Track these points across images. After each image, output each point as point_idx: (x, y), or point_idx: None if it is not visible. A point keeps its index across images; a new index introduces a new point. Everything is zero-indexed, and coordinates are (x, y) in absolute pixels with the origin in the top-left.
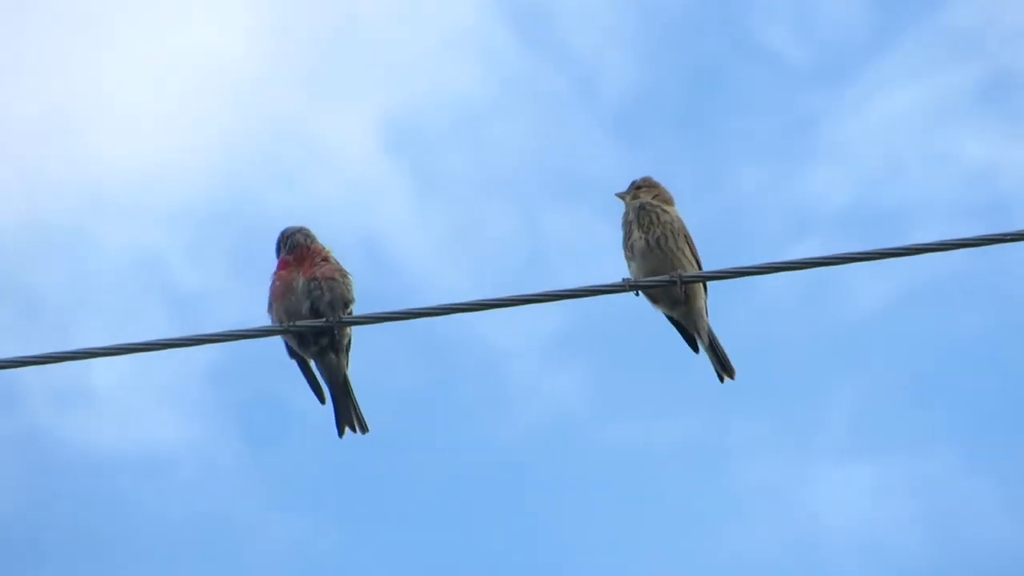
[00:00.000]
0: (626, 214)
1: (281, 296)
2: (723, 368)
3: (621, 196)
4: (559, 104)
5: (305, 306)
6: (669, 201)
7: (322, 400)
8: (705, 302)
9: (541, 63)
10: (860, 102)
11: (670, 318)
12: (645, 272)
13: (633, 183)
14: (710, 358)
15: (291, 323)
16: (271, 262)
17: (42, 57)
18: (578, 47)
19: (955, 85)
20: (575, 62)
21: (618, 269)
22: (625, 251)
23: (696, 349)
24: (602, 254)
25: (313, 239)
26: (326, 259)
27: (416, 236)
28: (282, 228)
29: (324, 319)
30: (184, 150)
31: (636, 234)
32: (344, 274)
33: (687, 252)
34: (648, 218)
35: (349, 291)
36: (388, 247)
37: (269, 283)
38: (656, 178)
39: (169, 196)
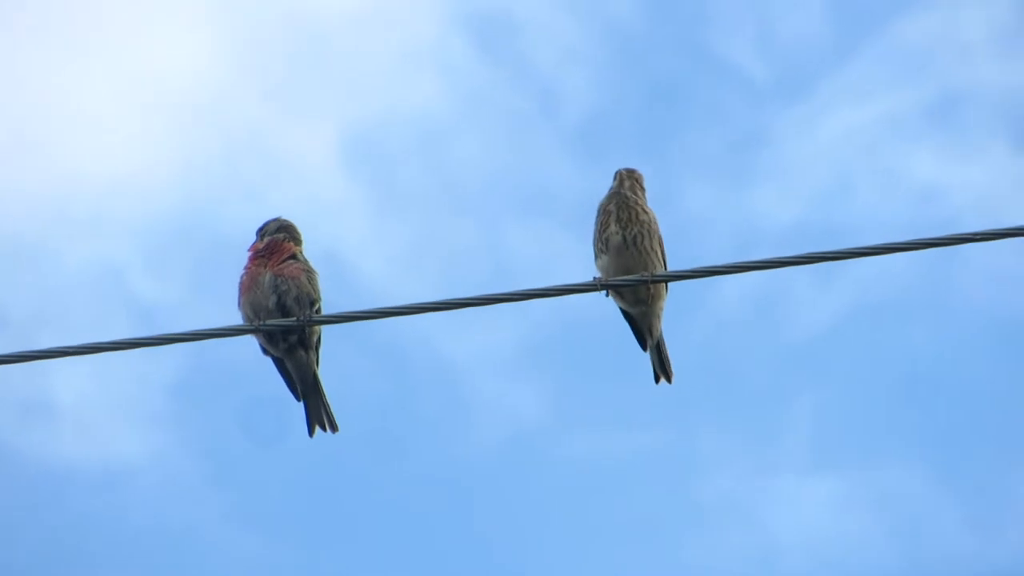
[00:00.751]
0: (604, 203)
1: (247, 290)
2: (662, 370)
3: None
4: (520, 120)
5: (271, 301)
6: (643, 185)
7: (298, 397)
8: (664, 304)
9: (502, 78)
10: (814, 119)
11: (625, 313)
12: (617, 268)
13: (617, 172)
14: (652, 358)
15: (260, 322)
16: (234, 275)
17: (3, 71)
18: (539, 63)
19: (905, 104)
20: (536, 78)
21: (582, 277)
22: (597, 243)
23: (644, 347)
24: (564, 267)
25: (290, 236)
26: (295, 256)
27: (377, 250)
28: (271, 216)
29: (293, 318)
30: (146, 163)
31: (613, 227)
32: (311, 273)
33: (659, 253)
34: (628, 214)
35: (316, 290)
36: (349, 261)
37: (239, 277)
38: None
39: (131, 209)
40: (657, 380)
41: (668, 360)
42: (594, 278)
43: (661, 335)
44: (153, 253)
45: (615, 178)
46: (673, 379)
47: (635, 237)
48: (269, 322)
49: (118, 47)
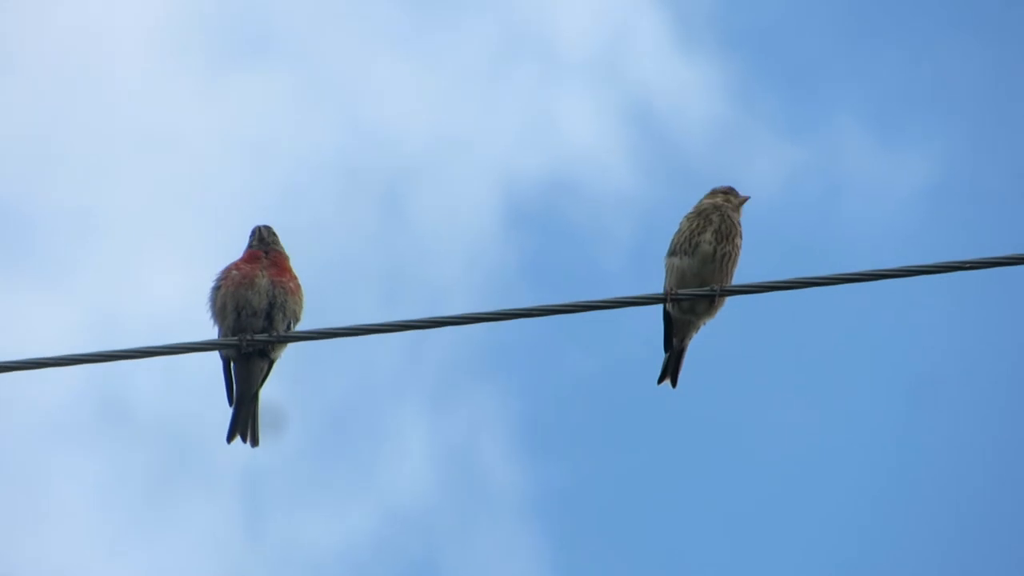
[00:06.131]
0: (705, 209)
1: (237, 284)
2: (672, 373)
3: (716, 197)
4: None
5: (263, 304)
6: (739, 209)
7: (231, 402)
8: (709, 320)
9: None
10: None
11: (667, 316)
12: (694, 275)
13: (715, 190)
14: (667, 360)
15: (245, 336)
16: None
17: None
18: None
19: None
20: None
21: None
22: (683, 243)
23: (667, 348)
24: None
25: (279, 244)
26: (294, 276)
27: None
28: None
29: (274, 332)
30: None
31: (708, 235)
32: (301, 293)
33: (732, 276)
34: (729, 231)
35: (301, 309)
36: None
37: (223, 268)
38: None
39: None
40: (660, 380)
41: (680, 368)
42: (665, 291)
43: (687, 345)
44: None
45: (713, 195)
46: (676, 385)
47: (724, 255)
48: (258, 337)
49: None
